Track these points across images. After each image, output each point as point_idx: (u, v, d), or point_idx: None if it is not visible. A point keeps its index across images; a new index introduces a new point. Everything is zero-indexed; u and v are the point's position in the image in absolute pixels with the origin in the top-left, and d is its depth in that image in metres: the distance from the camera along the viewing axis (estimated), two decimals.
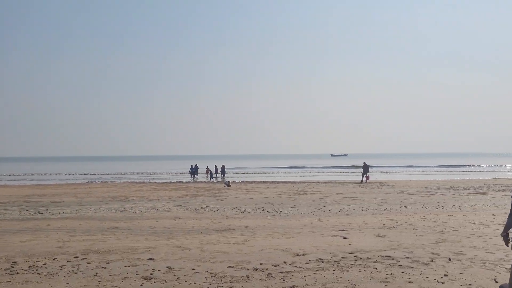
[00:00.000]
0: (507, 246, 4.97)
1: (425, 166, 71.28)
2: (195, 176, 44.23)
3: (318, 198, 20.77)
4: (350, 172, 56.95)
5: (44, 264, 8.04)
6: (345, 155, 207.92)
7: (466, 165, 71.49)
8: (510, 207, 5.20)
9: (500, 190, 24.67)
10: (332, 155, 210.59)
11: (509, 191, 23.83)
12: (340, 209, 16.64)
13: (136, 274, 7.23)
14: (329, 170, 67.41)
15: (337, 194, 23.29)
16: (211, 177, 43.87)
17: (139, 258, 8.35)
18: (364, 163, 34.94)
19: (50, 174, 57.67)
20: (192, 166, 46.43)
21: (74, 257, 8.54)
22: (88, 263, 8.07)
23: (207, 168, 45.40)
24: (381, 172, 56.11)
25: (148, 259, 8.25)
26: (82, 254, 8.80)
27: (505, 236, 5.02)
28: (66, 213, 16.20)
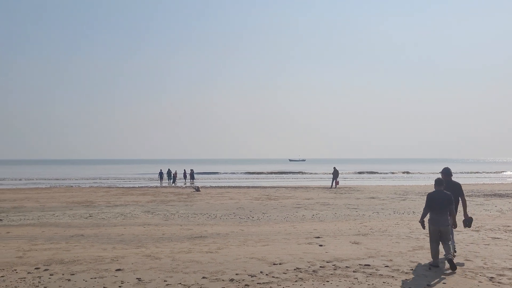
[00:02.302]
0: (424, 229, 8.14)
1: (388, 173, 72.52)
2: (170, 180, 43.39)
3: (290, 204, 20.65)
4: (318, 178, 57.33)
5: (2, 276, 7.44)
6: (303, 160, 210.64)
7: (424, 172, 73.19)
8: (425, 202, 7.95)
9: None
10: (290, 160, 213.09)
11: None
12: (313, 215, 16.54)
13: (104, 287, 6.76)
14: (296, 176, 67.79)
15: (308, 199, 23.24)
16: (173, 182, 43.17)
17: (107, 269, 7.87)
18: (334, 168, 35.06)
19: (10, 179, 55.58)
20: (161, 170, 45.70)
21: (35, 268, 7.98)
22: (50, 275, 7.53)
23: (170, 171, 44.55)
24: (345, 178, 56.78)
25: (116, 270, 7.78)
26: (44, 265, 8.24)
27: (421, 222, 8.11)
28: (28, 219, 15.49)
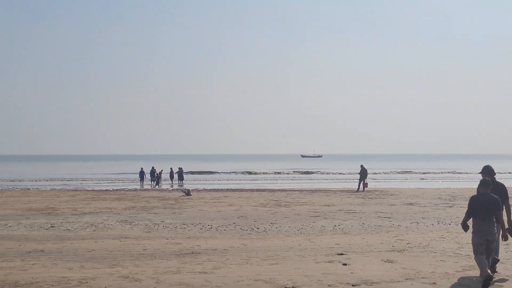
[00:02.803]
0: (465, 232, 8.67)
1: (429, 172, 72.34)
2: (153, 182, 43.52)
3: (305, 211, 20.71)
4: (340, 179, 57.32)
5: None
6: (320, 156, 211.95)
7: (471, 172, 73.20)
8: (467, 207, 8.47)
9: None
10: (303, 156, 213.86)
11: None
12: (335, 225, 16.58)
13: None
14: (314, 176, 67.83)
15: (328, 206, 23.26)
16: (157, 183, 43.25)
17: None
18: (362, 166, 35.15)
19: None
20: (142, 169, 45.85)
21: None
22: None
23: (154, 170, 44.63)
24: (376, 178, 56.85)
25: None
26: None
27: (464, 224, 8.61)
28: None
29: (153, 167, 45.06)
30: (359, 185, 34.24)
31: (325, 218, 18.44)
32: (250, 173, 72.34)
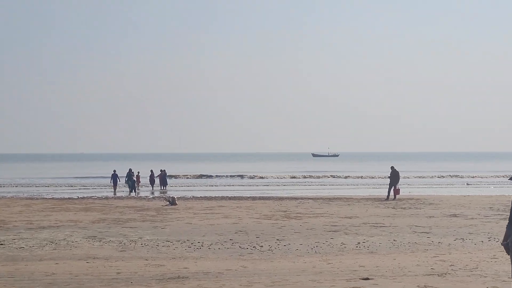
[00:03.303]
0: (508, 254, 7.33)
1: (478, 176, 72.27)
2: (129, 188, 43.54)
3: (321, 225, 20.72)
4: (364, 184, 57.23)
5: None
6: (336, 155, 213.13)
7: None
8: (509, 215, 7.19)
9: None
10: (315, 156, 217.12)
11: None
12: (358, 242, 16.56)
13: None
14: (330, 179, 67.84)
15: (350, 218, 23.25)
16: (133, 190, 43.08)
17: None
18: (393, 168, 35.13)
19: None
20: (115, 171, 45.74)
21: None
22: None
23: (131, 173, 44.49)
24: (409, 183, 56.83)
25: None
26: None
27: (505, 245, 7.36)
28: None
29: (130, 170, 45.02)
30: (389, 192, 34.19)
31: (346, 234, 18.37)
32: (252, 177, 72.56)
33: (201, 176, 73.88)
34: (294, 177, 71.53)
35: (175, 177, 69.53)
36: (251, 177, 71.96)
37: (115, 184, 45.19)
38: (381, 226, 20.40)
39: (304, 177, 72.62)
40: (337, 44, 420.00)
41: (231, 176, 75.40)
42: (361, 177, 70.70)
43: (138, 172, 47.03)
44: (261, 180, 67.92)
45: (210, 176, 74.16)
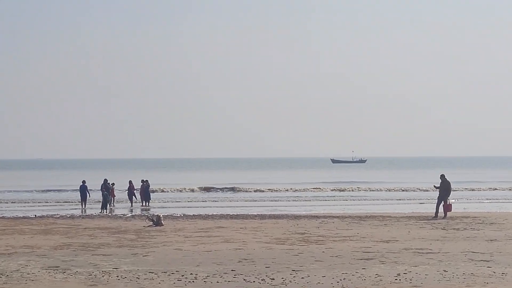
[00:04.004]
0: None
1: None
2: (106, 203, 43.80)
3: (349, 252, 20.66)
4: (400, 199, 57.21)
5: None
6: (362, 160, 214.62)
7: None
8: None
9: None
10: (334, 161, 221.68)
11: None
12: (398, 274, 16.48)
13: None
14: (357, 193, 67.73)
15: (387, 241, 23.19)
16: (104, 206, 43.07)
17: None
18: (443, 177, 35.09)
19: None
20: (84, 182, 45.68)
21: None
22: None
23: (107, 185, 44.81)
24: (462, 196, 56.63)
25: None
26: None
27: None
28: None
29: (105, 180, 45.31)
30: (437, 208, 34.12)
31: (383, 263, 18.22)
32: (259, 190, 71.06)
33: (201, 190, 72.82)
34: (317, 189, 71.41)
35: (161, 190, 69.19)
36: (258, 191, 70.71)
37: (84, 199, 45.27)
38: (427, 253, 20.22)
39: (328, 189, 72.33)
40: (365, 25, 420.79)
41: (232, 189, 74.50)
42: (401, 189, 70.77)
43: (113, 184, 47.00)
44: (270, 193, 67.65)
45: (211, 189, 73.36)
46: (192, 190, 72.71)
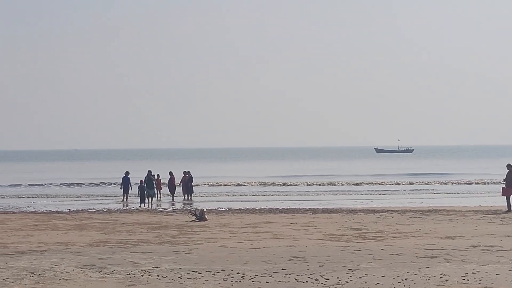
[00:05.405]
0: None
1: None
2: (147, 196, 43.45)
3: (411, 249, 20.50)
4: (473, 192, 56.80)
5: None
6: (410, 150, 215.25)
7: None
8: None
9: None
10: (379, 151, 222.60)
11: None
12: (466, 273, 16.19)
13: None
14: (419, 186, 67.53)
15: (453, 238, 23.03)
16: (142, 201, 42.83)
17: None
18: (510, 166, 34.80)
19: None
20: (127, 174, 45.76)
21: None
22: None
23: (151, 176, 44.66)
24: None
25: None
26: None
27: None
28: None
29: (149, 172, 45.50)
30: (509, 201, 33.90)
31: (448, 261, 18.02)
32: (308, 183, 70.42)
33: (235, 185, 70.77)
34: (379, 184, 70.27)
35: (206, 184, 68.35)
36: (308, 184, 69.90)
37: (126, 191, 45.69)
38: (498, 250, 19.92)
39: (383, 183, 71.84)
40: None
41: (268, 186, 70.81)
42: (467, 182, 70.38)
43: (158, 175, 47.20)
44: (321, 187, 67.30)
45: (245, 184, 70.75)
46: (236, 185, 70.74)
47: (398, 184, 70.29)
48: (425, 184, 70.08)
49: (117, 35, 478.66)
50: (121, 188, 46.67)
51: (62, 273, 16.69)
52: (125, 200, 45.36)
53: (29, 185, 69.95)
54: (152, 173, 45.22)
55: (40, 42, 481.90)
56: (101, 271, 16.97)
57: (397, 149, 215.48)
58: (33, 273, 16.68)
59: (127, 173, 46.51)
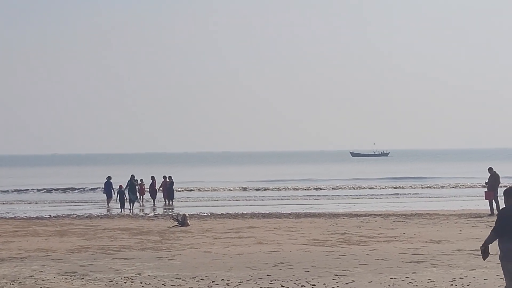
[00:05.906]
0: (484, 260, 11.90)
1: None
2: (129, 201, 43.35)
3: (397, 253, 20.60)
4: (454, 196, 57.14)
5: None
6: (384, 153, 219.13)
7: None
8: (495, 223, 11.36)
9: None
10: (354, 154, 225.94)
11: None
12: (454, 278, 16.31)
13: None
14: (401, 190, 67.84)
15: (438, 242, 23.14)
16: (122, 206, 42.73)
17: None
18: (491, 170, 35.08)
19: None
20: (109, 179, 45.77)
21: None
22: None
23: (133, 181, 44.55)
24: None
25: None
26: None
27: (482, 250, 11.65)
28: None
29: (132, 177, 45.31)
30: (491, 204, 33.98)
31: (435, 266, 18.13)
32: (294, 188, 70.34)
33: (212, 189, 70.27)
34: (360, 188, 70.43)
35: (186, 189, 67.52)
36: (294, 189, 69.82)
37: (109, 196, 45.53)
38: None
39: (364, 187, 71.72)
40: None
41: (263, 188, 72.16)
42: (449, 185, 70.58)
43: (142, 180, 47.23)
44: (302, 192, 66.96)
45: (225, 188, 70.33)
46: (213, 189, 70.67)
47: (382, 188, 69.65)
48: (407, 188, 69.88)
49: (108, 40, 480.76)
50: (104, 193, 46.60)
51: (43, 280, 16.71)
52: (107, 204, 45.21)
53: (9, 190, 69.71)
54: (135, 178, 45.10)
55: (30, 44, 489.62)
56: (83, 278, 16.98)
57: (373, 153, 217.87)
58: (14, 281, 16.69)
59: (109, 178, 46.36)
